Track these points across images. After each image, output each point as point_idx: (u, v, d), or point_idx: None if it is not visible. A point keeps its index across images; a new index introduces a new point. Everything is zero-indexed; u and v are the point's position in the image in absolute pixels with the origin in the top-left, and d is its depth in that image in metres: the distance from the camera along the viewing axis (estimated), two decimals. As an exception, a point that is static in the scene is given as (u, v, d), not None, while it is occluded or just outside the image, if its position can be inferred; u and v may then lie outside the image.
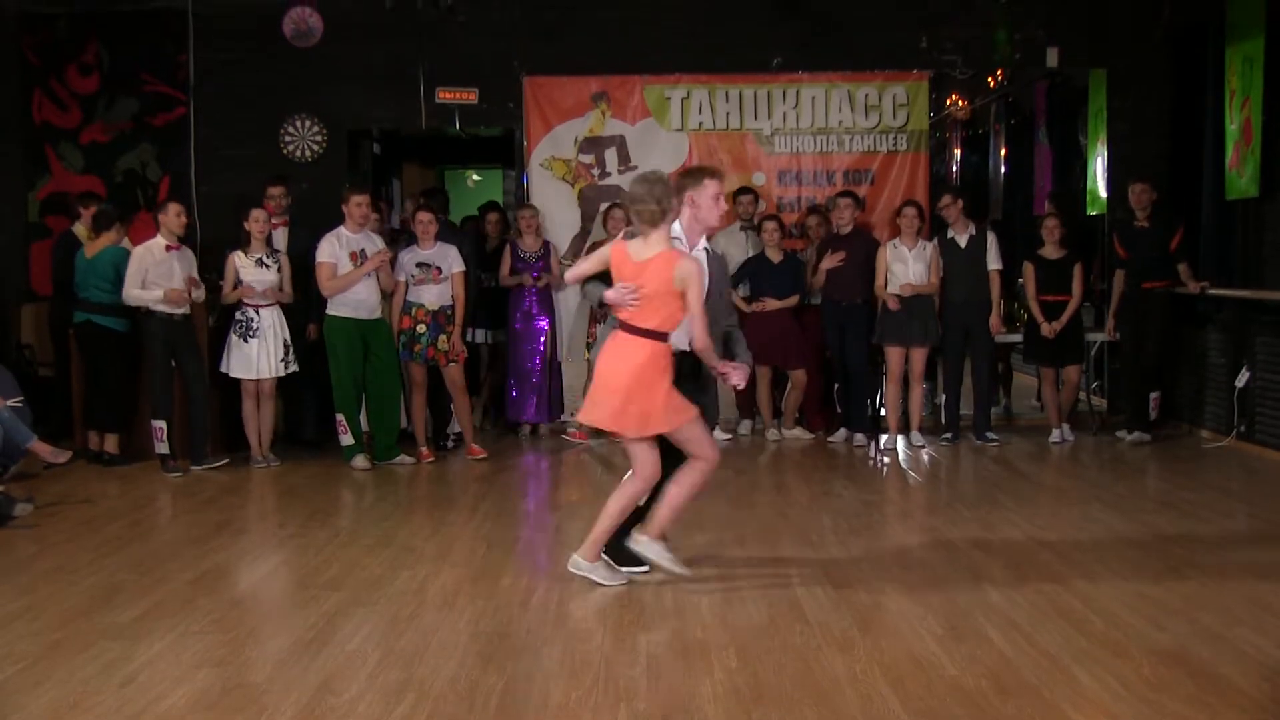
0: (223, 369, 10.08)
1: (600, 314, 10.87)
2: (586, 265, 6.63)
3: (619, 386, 6.20)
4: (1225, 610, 5.83)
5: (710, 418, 10.81)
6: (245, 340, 10.02)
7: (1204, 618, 5.70)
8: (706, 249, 6.64)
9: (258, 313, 10.04)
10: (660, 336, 6.22)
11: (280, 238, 10.62)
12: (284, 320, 10.18)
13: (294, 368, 10.26)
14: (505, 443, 11.30)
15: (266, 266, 10.11)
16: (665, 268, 6.13)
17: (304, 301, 10.36)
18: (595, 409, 6.35)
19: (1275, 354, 10.05)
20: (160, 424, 9.88)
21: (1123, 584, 6.31)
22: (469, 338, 11.33)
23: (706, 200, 6.48)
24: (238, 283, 10.02)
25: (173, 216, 9.94)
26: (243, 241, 10.10)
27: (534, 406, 11.42)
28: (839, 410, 11.41)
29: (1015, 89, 15.07)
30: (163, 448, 9.89)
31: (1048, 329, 10.82)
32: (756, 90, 12.09)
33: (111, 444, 10.25)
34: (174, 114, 12.15)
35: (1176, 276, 10.80)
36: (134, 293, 9.79)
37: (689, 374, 6.65)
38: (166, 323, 9.86)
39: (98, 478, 9.75)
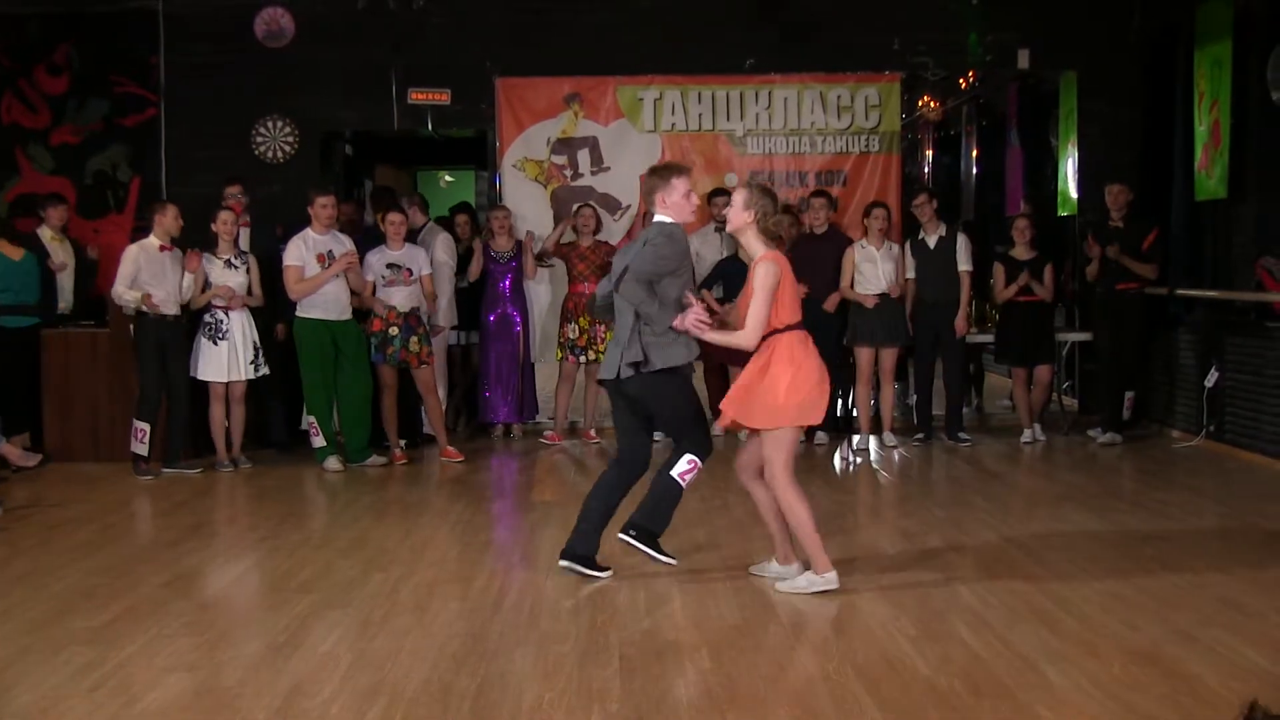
0: (192, 373, 10.03)
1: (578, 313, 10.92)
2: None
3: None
4: (1197, 610, 5.86)
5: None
6: (214, 343, 9.98)
7: (1176, 617, 5.73)
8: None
9: (226, 315, 10.01)
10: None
11: (243, 238, 10.58)
12: (252, 322, 10.15)
13: (264, 370, 10.23)
14: (478, 443, 11.28)
15: (235, 268, 10.08)
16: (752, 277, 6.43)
17: (270, 302, 10.33)
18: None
19: (1244, 354, 10.12)
20: (145, 425, 9.83)
21: (1095, 584, 6.34)
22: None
23: (677, 199, 6.58)
24: (207, 285, 9.99)
25: (171, 219, 9.93)
26: (210, 243, 10.08)
27: (507, 407, 11.40)
28: None
29: (987, 91, 15.13)
30: (141, 449, 9.83)
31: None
32: (729, 91, 12.11)
33: (23, 442, 10.20)
34: (145, 115, 12.08)
35: (1149, 277, 10.83)
36: (119, 290, 9.75)
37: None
38: (159, 324, 9.82)
39: (68, 481, 9.69)
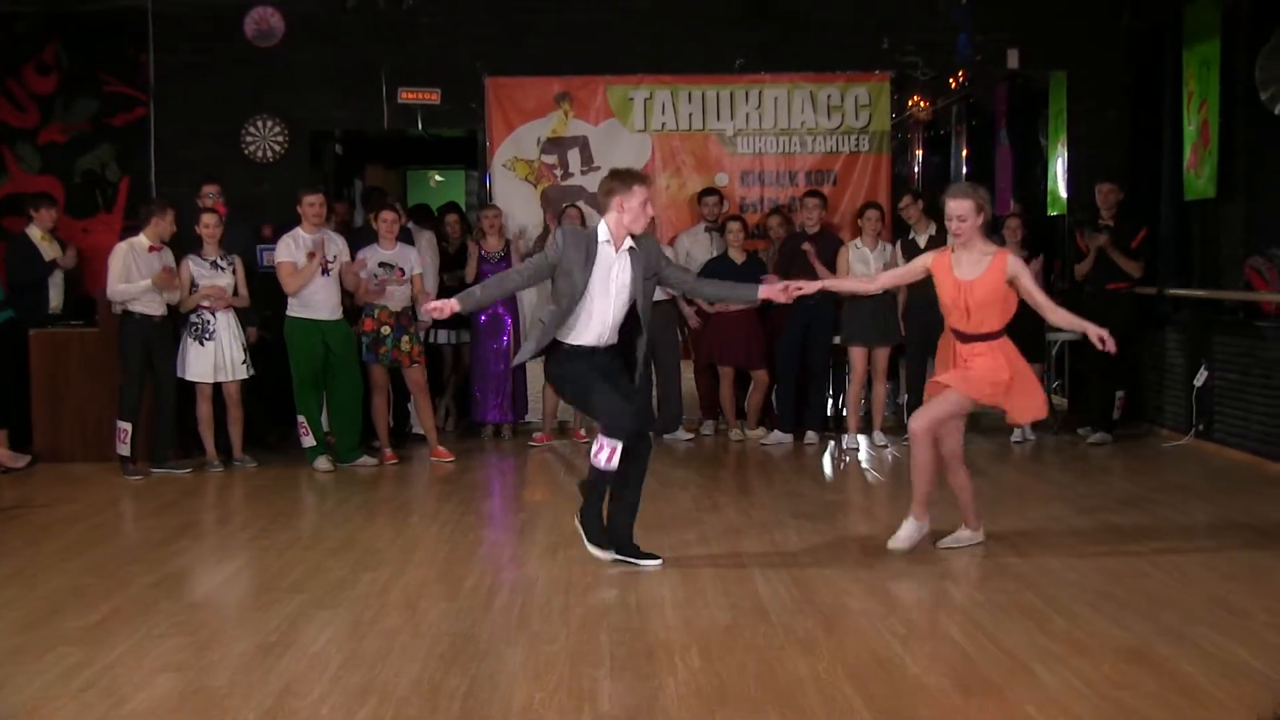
0: (179, 374, 10.01)
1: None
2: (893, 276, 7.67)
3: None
4: (1186, 608, 5.87)
5: (672, 417, 10.87)
6: (201, 343, 9.96)
7: (1165, 616, 5.74)
8: (632, 247, 6.73)
9: (213, 315, 9.99)
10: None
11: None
12: (239, 323, 10.13)
13: (245, 374, 10.17)
14: (468, 443, 11.27)
15: (221, 269, 10.07)
16: (999, 272, 6.78)
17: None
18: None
19: (1233, 354, 10.14)
20: (126, 425, 9.81)
21: (1084, 582, 6.35)
22: (432, 339, 11.32)
23: (634, 206, 6.72)
24: (193, 287, 9.97)
25: (169, 223, 9.96)
26: (193, 245, 10.06)
27: (497, 407, 11.39)
28: (774, 411, 11.43)
29: (977, 90, 15.13)
30: (124, 449, 9.82)
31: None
32: (719, 91, 12.11)
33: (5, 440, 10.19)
34: (134, 114, 12.06)
35: (1134, 275, 10.84)
36: (120, 287, 9.72)
37: (617, 369, 6.78)
38: (144, 323, 9.81)
39: (57, 481, 9.67)
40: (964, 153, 16.54)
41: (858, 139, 12.14)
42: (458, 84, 12.04)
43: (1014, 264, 6.78)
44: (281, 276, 9.89)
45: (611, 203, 6.69)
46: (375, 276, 10.18)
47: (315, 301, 9.93)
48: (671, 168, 12.09)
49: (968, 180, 16.15)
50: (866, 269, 10.69)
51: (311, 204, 9.95)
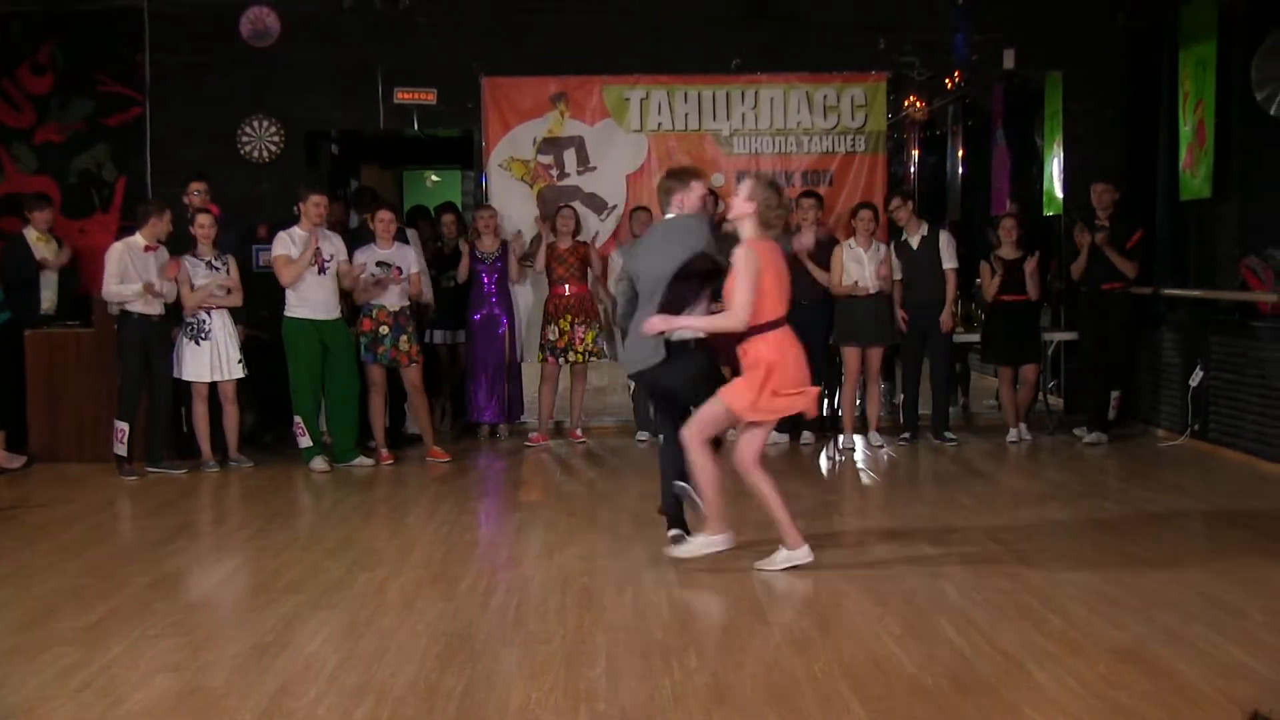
0: (175, 373, 10.01)
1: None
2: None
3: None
4: (1181, 608, 5.88)
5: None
6: (197, 343, 9.95)
7: (1160, 615, 5.75)
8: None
9: (209, 315, 9.99)
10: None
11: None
12: (234, 323, 10.13)
13: (241, 373, 10.16)
14: (464, 444, 11.27)
15: (216, 269, 10.06)
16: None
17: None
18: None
19: (1228, 354, 10.15)
20: (124, 425, 9.81)
21: (1080, 582, 6.35)
22: (427, 339, 11.31)
23: (694, 201, 6.89)
24: (190, 287, 9.97)
25: (165, 224, 9.97)
26: (187, 245, 10.06)
27: (493, 407, 11.39)
28: None
29: (973, 91, 15.14)
30: (121, 449, 9.81)
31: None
32: (715, 91, 12.10)
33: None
34: (130, 114, 12.04)
35: (1129, 275, 10.86)
36: (113, 288, 9.72)
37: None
38: (143, 323, 9.80)
39: (53, 482, 9.67)
40: (960, 153, 16.57)
41: (854, 139, 12.14)
42: (454, 84, 12.02)
43: (736, 256, 6.55)
44: (277, 268, 9.88)
45: (672, 201, 6.87)
46: (373, 276, 10.18)
47: (313, 301, 9.92)
48: (667, 168, 12.06)
49: (962, 180, 16.23)
50: (861, 269, 10.70)
51: (316, 204, 9.91)
